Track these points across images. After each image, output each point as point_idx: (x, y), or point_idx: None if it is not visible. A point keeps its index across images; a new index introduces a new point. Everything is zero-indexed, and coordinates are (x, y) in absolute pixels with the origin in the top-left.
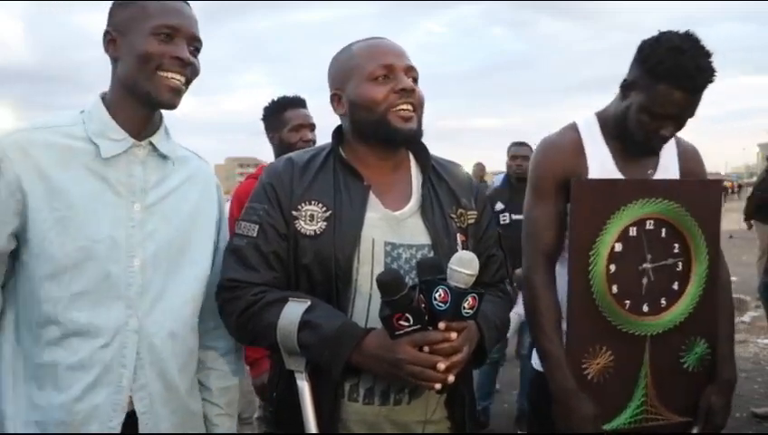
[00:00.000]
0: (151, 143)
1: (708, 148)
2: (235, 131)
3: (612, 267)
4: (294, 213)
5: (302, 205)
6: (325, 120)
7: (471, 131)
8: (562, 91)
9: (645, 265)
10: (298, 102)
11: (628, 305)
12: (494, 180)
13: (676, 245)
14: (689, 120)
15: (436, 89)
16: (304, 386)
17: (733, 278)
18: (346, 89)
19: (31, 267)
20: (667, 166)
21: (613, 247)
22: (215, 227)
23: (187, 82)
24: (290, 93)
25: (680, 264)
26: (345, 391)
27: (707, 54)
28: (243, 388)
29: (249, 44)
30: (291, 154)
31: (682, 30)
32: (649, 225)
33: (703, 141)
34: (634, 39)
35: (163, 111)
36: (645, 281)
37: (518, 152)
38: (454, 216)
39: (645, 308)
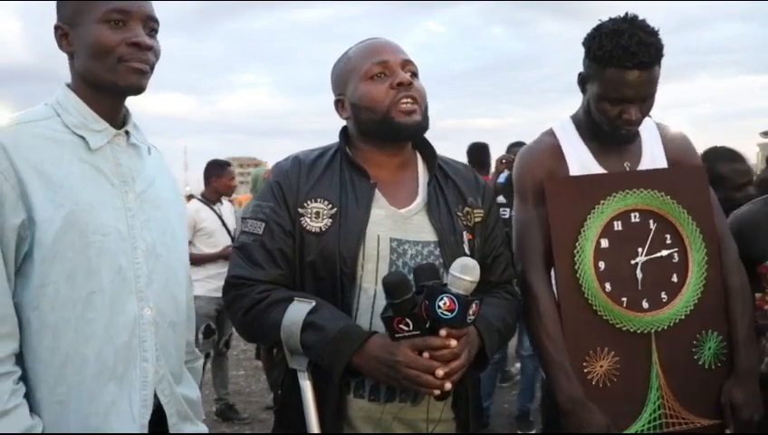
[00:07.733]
0: (127, 132)
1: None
2: (235, 131)
3: (601, 265)
4: (300, 210)
5: (308, 202)
6: (330, 120)
7: (471, 131)
8: (562, 91)
9: (637, 260)
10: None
11: (625, 302)
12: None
13: (668, 235)
14: (653, 100)
15: (436, 89)
16: (306, 385)
17: None
18: (347, 92)
19: (40, 273)
20: (653, 158)
21: (598, 244)
22: (182, 213)
23: (152, 68)
24: (289, 94)
25: (676, 255)
26: (351, 387)
27: (650, 31)
28: (243, 388)
29: (248, 44)
30: (298, 153)
31: (623, 14)
32: (635, 217)
33: (703, 141)
34: None
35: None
36: (639, 276)
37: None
38: (460, 214)
39: (645, 304)
